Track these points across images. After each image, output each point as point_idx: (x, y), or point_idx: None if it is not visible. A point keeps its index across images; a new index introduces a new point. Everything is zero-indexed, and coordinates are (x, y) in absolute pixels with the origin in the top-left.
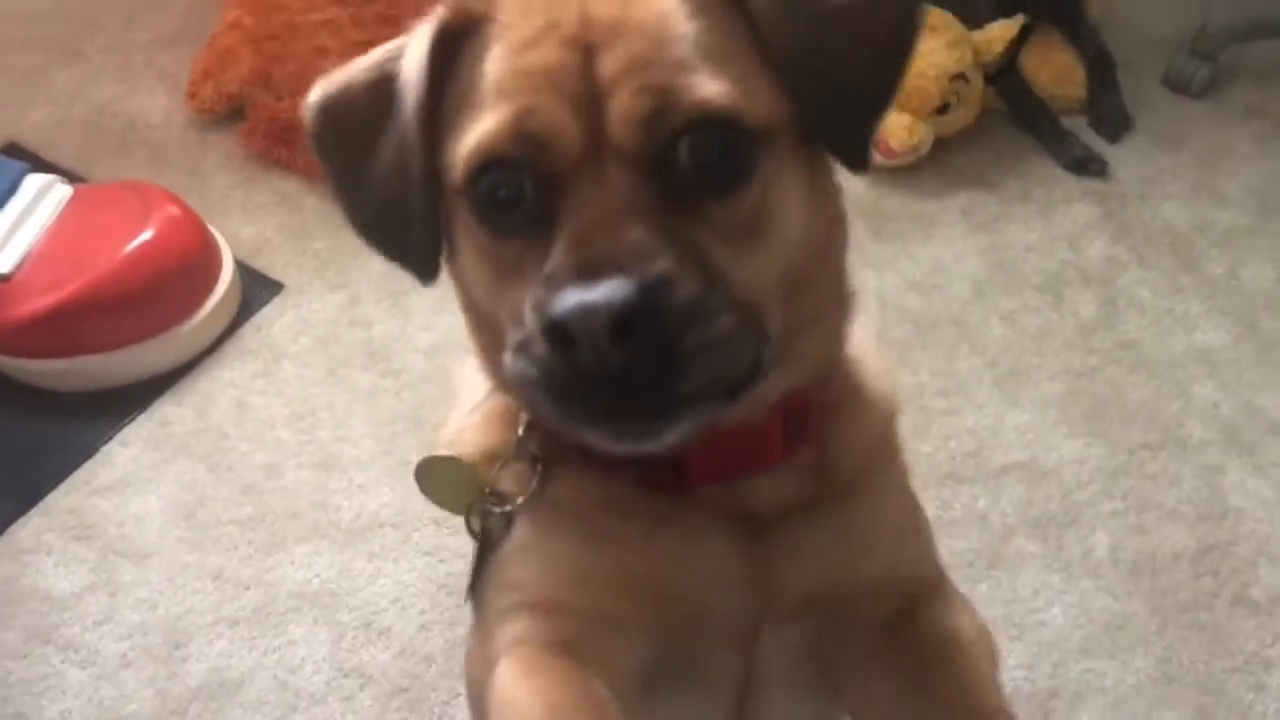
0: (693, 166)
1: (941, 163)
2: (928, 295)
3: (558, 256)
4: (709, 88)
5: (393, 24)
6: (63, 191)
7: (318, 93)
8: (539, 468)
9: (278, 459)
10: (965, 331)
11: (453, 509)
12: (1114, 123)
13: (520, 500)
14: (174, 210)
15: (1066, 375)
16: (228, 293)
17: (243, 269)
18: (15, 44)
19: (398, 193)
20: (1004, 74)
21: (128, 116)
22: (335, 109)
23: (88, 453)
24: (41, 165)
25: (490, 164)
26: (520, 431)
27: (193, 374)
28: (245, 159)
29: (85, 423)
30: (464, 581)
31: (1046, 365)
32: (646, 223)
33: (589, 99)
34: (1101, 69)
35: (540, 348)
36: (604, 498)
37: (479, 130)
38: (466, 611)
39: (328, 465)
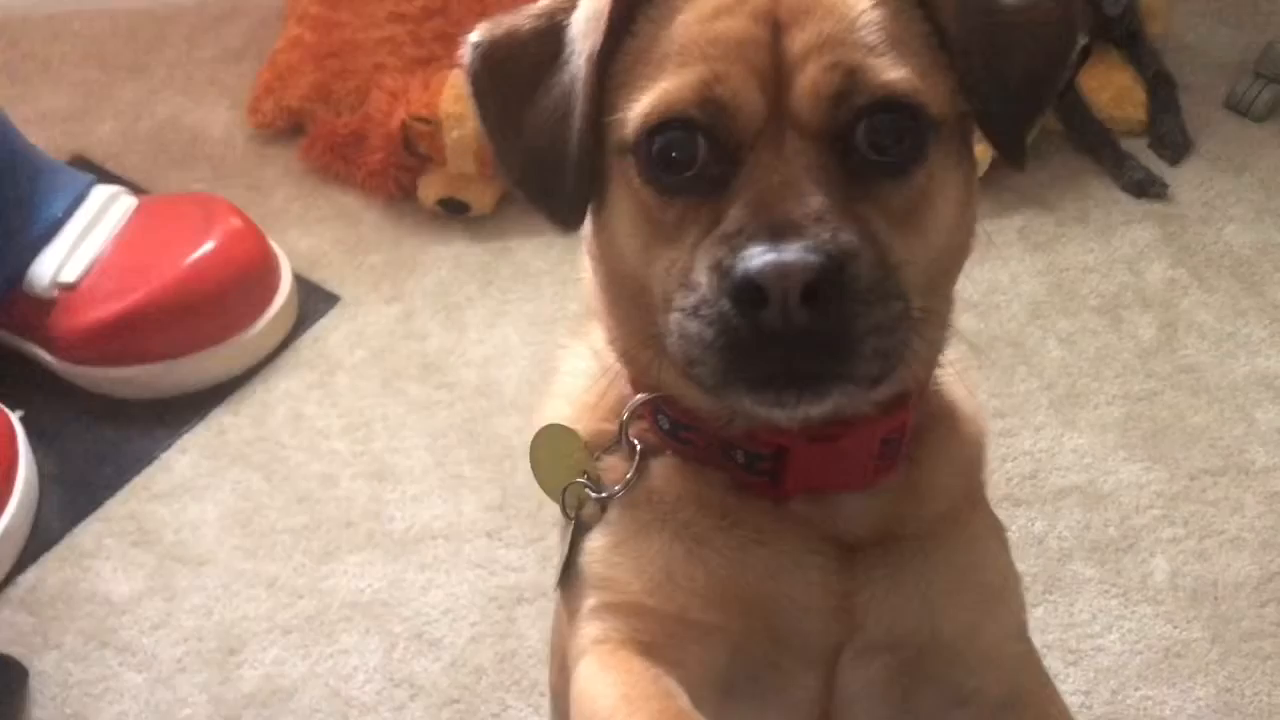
0: (868, 146)
1: (999, 183)
2: (985, 316)
3: (738, 217)
4: (895, 72)
5: (451, 41)
6: (128, 203)
7: (481, 34)
8: (637, 458)
9: (332, 469)
10: (1023, 353)
11: (552, 486)
12: (1174, 145)
13: (618, 489)
14: (236, 222)
15: (1126, 399)
16: (286, 304)
17: (300, 281)
18: (83, 60)
19: (556, 139)
20: (1063, 95)
21: (191, 130)
22: (499, 52)
23: (147, 459)
24: (107, 177)
25: (669, 123)
26: (624, 417)
27: (250, 384)
28: (304, 173)
29: (145, 430)
30: (516, 594)
31: (1105, 388)
32: (826, 193)
33: (775, 72)
34: (1162, 91)
35: (721, 305)
36: (700, 497)
37: (662, 89)
38: (519, 623)
39: (381, 476)
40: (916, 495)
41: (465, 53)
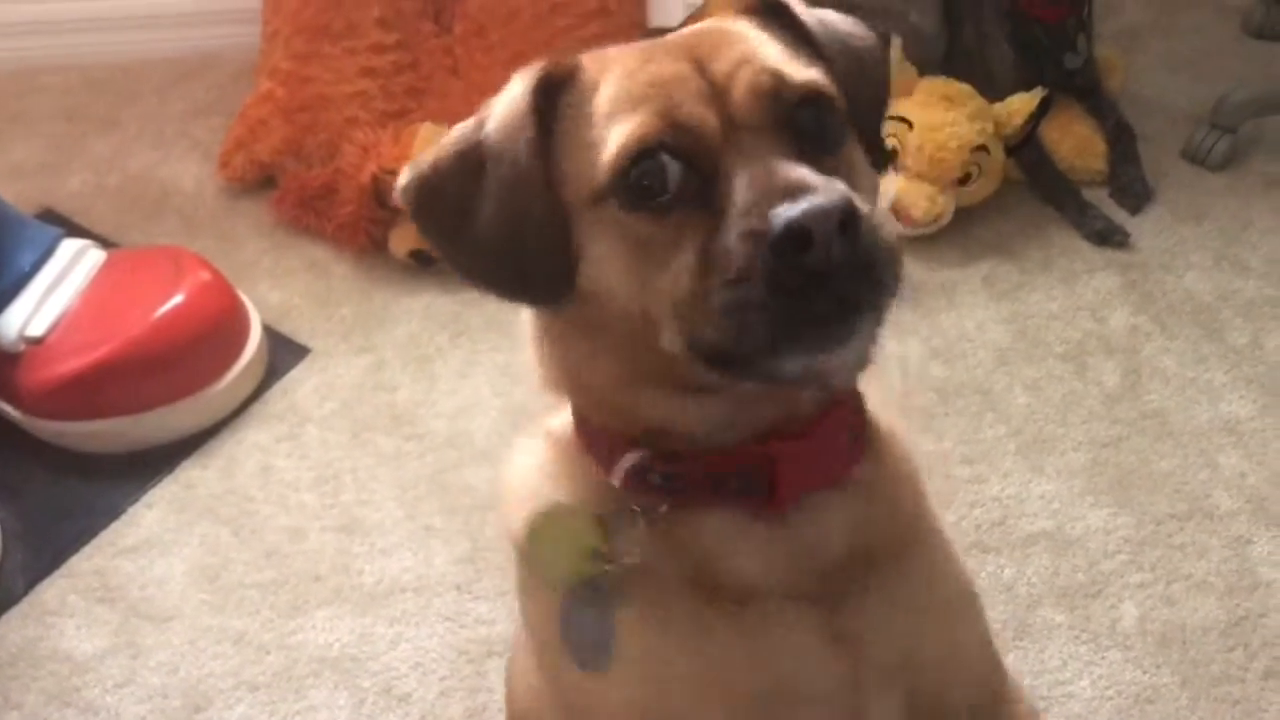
0: (807, 132)
1: (963, 233)
2: (951, 364)
3: (746, 197)
4: (809, 72)
5: (420, 95)
6: (96, 256)
7: (409, 175)
8: (641, 521)
9: (301, 522)
10: (989, 400)
11: (557, 575)
12: (1135, 194)
13: (627, 560)
14: (205, 275)
15: (1091, 445)
16: (255, 357)
17: (270, 334)
18: (53, 113)
19: (511, 233)
20: (1024, 146)
21: (161, 184)
22: (429, 184)
23: (113, 514)
24: (76, 231)
25: (644, 154)
26: (616, 482)
27: (219, 437)
28: (275, 226)
29: (111, 484)
30: (487, 647)
31: (1071, 434)
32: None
33: (713, 94)
34: (1122, 141)
35: (764, 261)
36: (693, 564)
37: (626, 130)
38: (490, 677)
39: (350, 529)
40: (878, 496)
41: (399, 195)
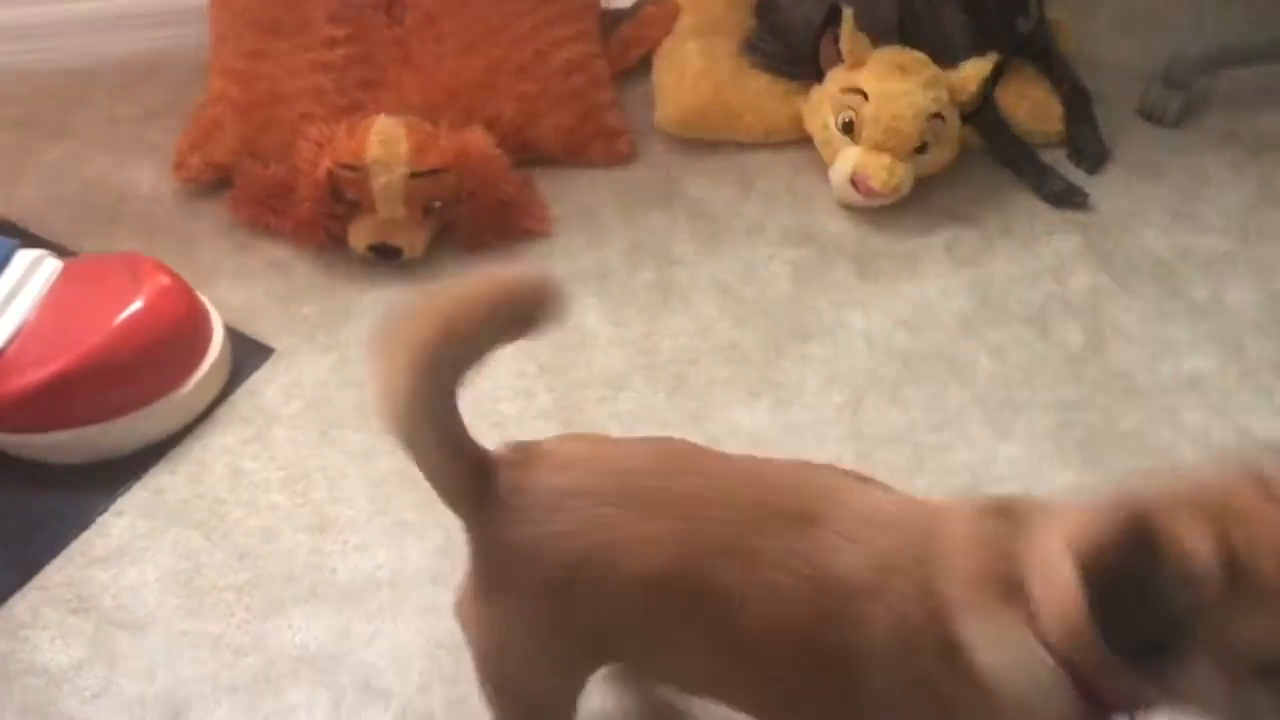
0: None
1: (923, 201)
2: (915, 332)
3: None
4: None
5: (374, 87)
6: (53, 266)
7: (1095, 563)
8: None
9: (273, 523)
10: (955, 367)
11: None
12: (1092, 155)
13: None
14: (164, 279)
15: (1057, 406)
16: (219, 359)
17: (234, 335)
18: (3, 123)
19: (1159, 633)
20: (980, 112)
21: (117, 189)
22: (1111, 572)
23: (83, 524)
24: (32, 240)
25: None
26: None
27: (186, 441)
28: (234, 227)
29: (79, 494)
30: (464, 638)
31: (1037, 397)
32: None
33: None
34: (1077, 103)
35: None
36: None
37: None
38: (467, 667)
39: (322, 527)
40: None
41: (1081, 583)
